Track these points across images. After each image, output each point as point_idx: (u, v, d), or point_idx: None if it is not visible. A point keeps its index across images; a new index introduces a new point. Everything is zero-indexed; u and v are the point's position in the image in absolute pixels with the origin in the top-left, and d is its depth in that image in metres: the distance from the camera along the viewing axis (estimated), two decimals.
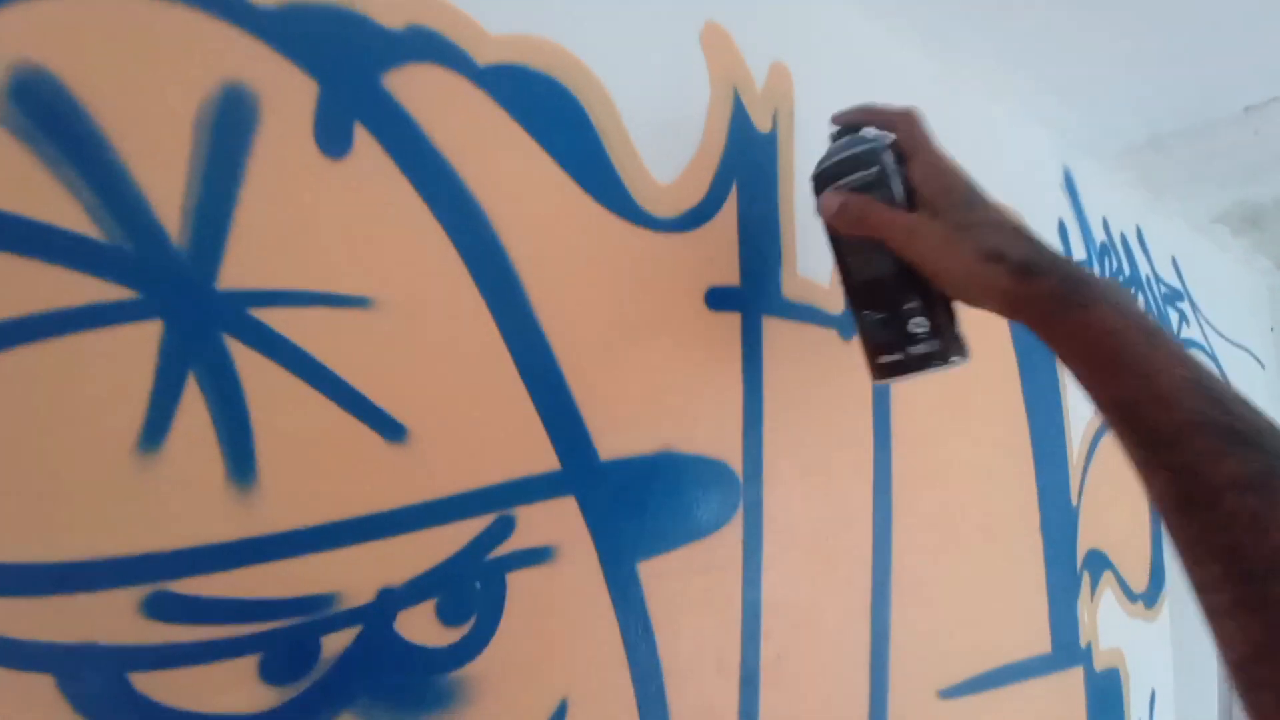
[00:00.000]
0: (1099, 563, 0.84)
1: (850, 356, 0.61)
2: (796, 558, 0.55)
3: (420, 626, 0.38)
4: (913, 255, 0.43)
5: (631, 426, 0.47)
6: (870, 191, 0.45)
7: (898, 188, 0.45)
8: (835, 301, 0.61)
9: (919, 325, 0.44)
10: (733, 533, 0.51)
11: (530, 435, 0.43)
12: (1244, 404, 0.34)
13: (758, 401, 0.54)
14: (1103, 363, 0.37)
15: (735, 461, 0.52)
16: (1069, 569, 0.80)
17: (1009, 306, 0.40)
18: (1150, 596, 0.95)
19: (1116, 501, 0.89)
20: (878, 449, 0.62)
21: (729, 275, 0.54)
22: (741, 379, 0.53)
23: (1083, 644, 0.80)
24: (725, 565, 0.50)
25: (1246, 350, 1.43)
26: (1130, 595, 0.90)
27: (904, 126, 0.46)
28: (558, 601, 0.43)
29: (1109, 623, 0.85)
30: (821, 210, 0.47)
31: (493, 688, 0.40)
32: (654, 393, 0.49)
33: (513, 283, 0.43)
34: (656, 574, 0.47)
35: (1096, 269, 0.96)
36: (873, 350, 0.48)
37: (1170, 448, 0.34)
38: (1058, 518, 0.79)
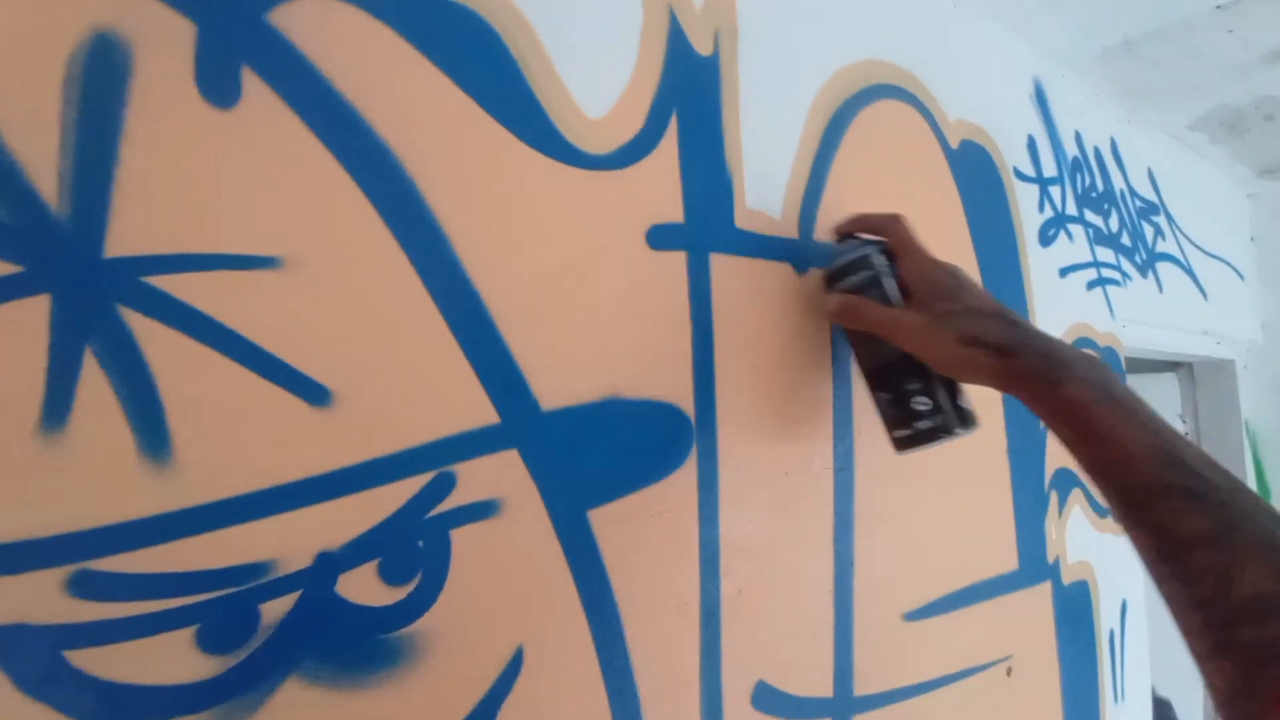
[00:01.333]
0: (1067, 481, 0.86)
1: (806, 290, 0.59)
2: (755, 495, 0.55)
3: (363, 587, 0.38)
4: (903, 345, 0.50)
5: (574, 375, 0.46)
6: (867, 290, 0.53)
7: (890, 285, 0.52)
8: (788, 234, 0.59)
9: (921, 403, 0.51)
10: (687, 475, 0.51)
11: (465, 390, 0.42)
12: (1209, 466, 0.38)
13: (708, 341, 0.52)
14: (1080, 433, 0.43)
15: (686, 403, 0.51)
16: (1037, 489, 0.81)
17: (995, 383, 0.47)
18: None
19: None
20: (837, 382, 0.61)
21: (672, 212, 0.52)
22: (690, 319, 0.52)
23: (1050, 560, 0.82)
24: (680, 508, 0.50)
25: (1225, 262, 1.41)
26: (1099, 510, 0.91)
27: (892, 230, 0.54)
28: (506, 554, 0.43)
29: (1078, 538, 0.87)
30: (825, 311, 0.57)
31: (445, 641, 0.40)
32: (596, 339, 0.47)
33: (433, 232, 0.41)
34: (609, 520, 0.47)
35: (1068, 186, 0.94)
36: (888, 426, 0.55)
37: (1142, 508, 0.39)
38: (1026, 440, 0.80)
